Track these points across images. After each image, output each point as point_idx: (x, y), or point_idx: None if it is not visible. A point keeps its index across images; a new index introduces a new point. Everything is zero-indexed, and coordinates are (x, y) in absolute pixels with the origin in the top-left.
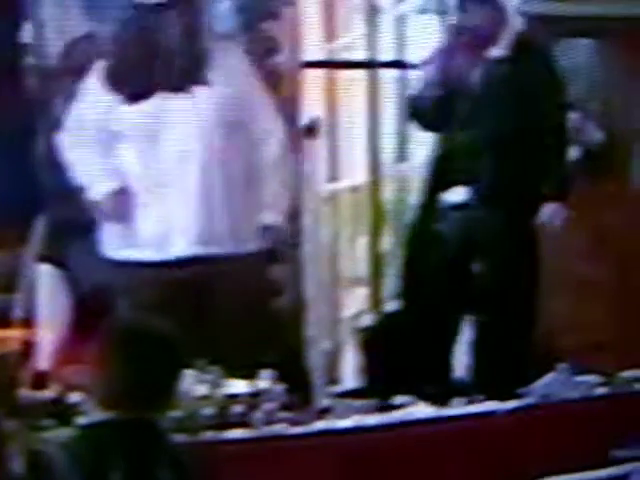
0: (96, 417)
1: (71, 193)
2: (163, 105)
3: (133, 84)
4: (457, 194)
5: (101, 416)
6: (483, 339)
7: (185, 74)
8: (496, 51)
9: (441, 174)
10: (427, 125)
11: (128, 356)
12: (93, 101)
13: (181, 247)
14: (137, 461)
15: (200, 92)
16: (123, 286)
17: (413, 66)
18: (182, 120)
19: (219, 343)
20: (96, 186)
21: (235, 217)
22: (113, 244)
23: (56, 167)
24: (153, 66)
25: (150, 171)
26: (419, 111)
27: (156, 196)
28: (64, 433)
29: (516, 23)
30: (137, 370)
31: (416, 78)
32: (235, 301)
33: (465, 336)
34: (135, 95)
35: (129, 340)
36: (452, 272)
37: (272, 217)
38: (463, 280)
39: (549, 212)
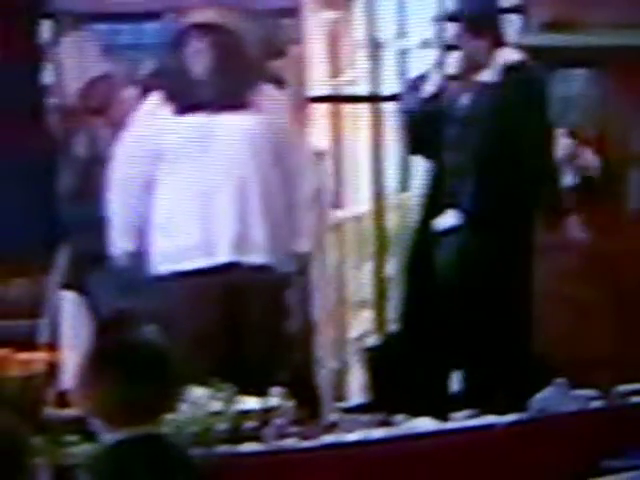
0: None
1: (92, 224)
2: (208, 122)
3: (182, 98)
4: (447, 218)
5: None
6: (479, 356)
7: (228, 95)
8: (485, 76)
9: (432, 198)
10: (418, 146)
11: (120, 376)
12: (145, 125)
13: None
14: (158, 473)
15: (243, 115)
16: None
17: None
18: (225, 137)
19: (241, 356)
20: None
21: (270, 235)
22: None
23: (78, 200)
24: (200, 84)
25: (194, 185)
26: (410, 130)
27: (199, 208)
28: (87, 449)
29: (507, 51)
30: (132, 389)
31: (407, 96)
32: (259, 317)
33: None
34: (183, 109)
35: (119, 359)
36: (445, 295)
37: (305, 245)
38: (457, 301)
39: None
